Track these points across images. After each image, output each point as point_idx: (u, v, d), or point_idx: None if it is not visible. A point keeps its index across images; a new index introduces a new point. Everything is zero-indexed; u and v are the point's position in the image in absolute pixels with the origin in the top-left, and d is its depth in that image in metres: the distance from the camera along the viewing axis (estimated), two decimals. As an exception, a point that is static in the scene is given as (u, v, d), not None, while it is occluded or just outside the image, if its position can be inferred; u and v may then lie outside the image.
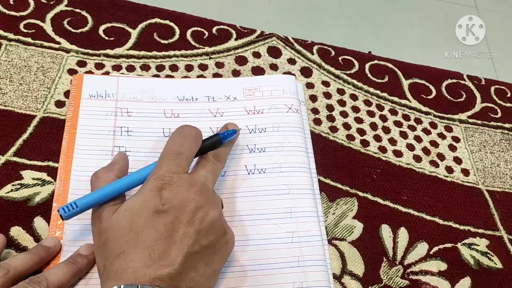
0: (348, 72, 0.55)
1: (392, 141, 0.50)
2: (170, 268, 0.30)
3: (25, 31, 0.50)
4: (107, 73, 0.49)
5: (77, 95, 0.45)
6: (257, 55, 0.54)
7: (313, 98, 0.52)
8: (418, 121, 0.53)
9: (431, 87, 0.56)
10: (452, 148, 0.51)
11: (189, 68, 0.51)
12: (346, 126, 0.50)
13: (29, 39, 0.49)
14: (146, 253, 0.31)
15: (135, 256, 0.31)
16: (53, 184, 0.41)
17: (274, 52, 0.54)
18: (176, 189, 0.33)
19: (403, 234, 0.44)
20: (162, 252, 0.31)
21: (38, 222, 0.39)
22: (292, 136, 0.45)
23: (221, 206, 0.37)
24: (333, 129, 0.50)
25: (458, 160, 0.50)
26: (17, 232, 0.38)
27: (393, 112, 0.53)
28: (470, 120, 0.54)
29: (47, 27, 0.51)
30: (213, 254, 0.33)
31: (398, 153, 0.49)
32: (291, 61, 0.54)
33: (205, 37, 0.54)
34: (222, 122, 0.45)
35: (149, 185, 0.33)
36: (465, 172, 0.50)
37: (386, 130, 0.51)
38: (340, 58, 0.56)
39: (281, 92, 0.48)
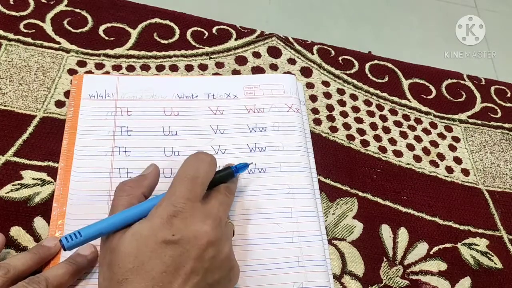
0: (348, 72, 0.55)
1: (392, 141, 0.50)
2: None
3: (25, 31, 0.50)
4: (107, 73, 0.49)
5: (77, 95, 0.45)
6: (257, 55, 0.54)
7: (313, 98, 0.52)
8: (418, 121, 0.53)
9: (431, 87, 0.56)
10: (452, 148, 0.51)
11: (189, 68, 0.51)
12: (346, 126, 0.50)
13: (29, 39, 0.49)
14: (150, 284, 0.29)
15: (138, 286, 0.29)
16: (53, 184, 0.41)
17: (274, 52, 0.54)
18: (189, 219, 0.31)
19: (403, 234, 0.44)
20: (167, 286, 0.29)
21: (38, 222, 0.39)
22: (293, 135, 0.45)
23: (232, 235, 0.36)
24: (333, 129, 0.50)
25: (458, 160, 0.50)
26: (17, 232, 0.38)
27: (393, 112, 0.53)
28: (470, 120, 0.54)
29: (47, 27, 0.51)
30: None
31: (398, 153, 0.49)
32: (291, 61, 0.54)
33: (205, 37, 0.54)
34: (222, 120, 0.45)
35: (160, 211, 0.31)
36: (465, 172, 0.50)
37: (386, 130, 0.51)
38: (340, 58, 0.56)
39: (282, 91, 0.48)
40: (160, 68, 0.50)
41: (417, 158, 0.50)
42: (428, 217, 0.46)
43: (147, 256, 0.30)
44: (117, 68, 0.49)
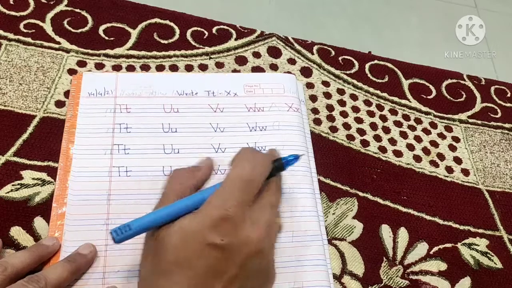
0: (348, 72, 0.55)
1: (392, 141, 0.50)
2: None
3: (25, 31, 0.50)
4: (107, 73, 0.49)
5: (77, 94, 0.45)
6: (257, 55, 0.54)
7: (313, 98, 0.52)
8: (418, 121, 0.53)
9: (431, 87, 0.56)
10: (452, 148, 0.51)
11: (189, 68, 0.51)
12: (346, 126, 0.50)
13: (29, 39, 0.49)
14: (192, 282, 0.29)
15: (180, 280, 0.29)
16: (53, 184, 0.41)
17: (274, 52, 0.54)
18: (239, 225, 0.30)
19: (403, 234, 0.44)
20: (207, 286, 0.29)
21: (38, 222, 0.39)
22: (292, 135, 0.45)
23: (279, 232, 0.34)
24: (333, 129, 0.50)
25: (458, 160, 0.50)
26: (17, 232, 0.38)
27: (393, 112, 0.53)
28: (470, 120, 0.54)
29: (47, 27, 0.51)
30: None
31: (398, 153, 0.49)
32: (291, 61, 0.54)
33: (205, 37, 0.54)
34: (222, 118, 0.45)
35: (210, 210, 0.30)
36: (465, 172, 0.50)
37: (386, 130, 0.51)
38: (340, 58, 0.56)
39: (282, 91, 0.48)
40: (160, 68, 0.50)
41: (417, 158, 0.49)
42: (428, 217, 0.46)
43: (191, 253, 0.29)
44: (117, 68, 0.49)
